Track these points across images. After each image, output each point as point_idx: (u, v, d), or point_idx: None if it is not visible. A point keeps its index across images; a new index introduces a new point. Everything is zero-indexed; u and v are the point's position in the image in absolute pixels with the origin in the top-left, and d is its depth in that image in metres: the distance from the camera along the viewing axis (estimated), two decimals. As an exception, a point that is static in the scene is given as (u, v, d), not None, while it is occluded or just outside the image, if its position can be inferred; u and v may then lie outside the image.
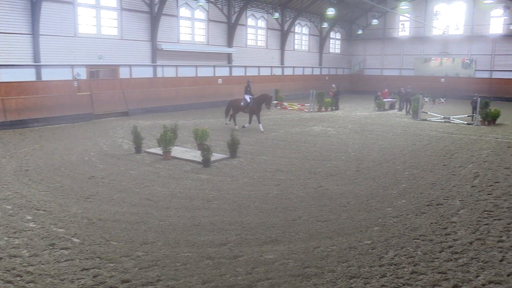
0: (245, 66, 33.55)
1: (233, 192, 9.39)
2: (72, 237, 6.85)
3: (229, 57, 31.78)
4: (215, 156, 12.59)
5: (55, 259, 6.05)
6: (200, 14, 29.14)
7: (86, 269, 5.77)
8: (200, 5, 26.75)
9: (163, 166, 11.77)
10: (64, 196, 8.99)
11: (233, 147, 12.86)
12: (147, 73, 25.79)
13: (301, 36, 40.68)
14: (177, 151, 13.41)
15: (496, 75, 40.13)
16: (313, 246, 6.62)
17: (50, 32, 20.88)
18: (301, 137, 17.00)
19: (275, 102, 28.81)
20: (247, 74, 33.65)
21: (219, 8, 30.38)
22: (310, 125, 20.57)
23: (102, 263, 5.96)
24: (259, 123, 18.32)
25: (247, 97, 18.82)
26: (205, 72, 29.80)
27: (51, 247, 6.44)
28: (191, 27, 28.61)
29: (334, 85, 31.24)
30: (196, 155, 12.90)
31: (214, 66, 30.52)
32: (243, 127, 18.74)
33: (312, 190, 9.61)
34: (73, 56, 21.96)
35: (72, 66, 21.94)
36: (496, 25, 40.23)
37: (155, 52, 25.84)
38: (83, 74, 22.31)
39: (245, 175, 10.89)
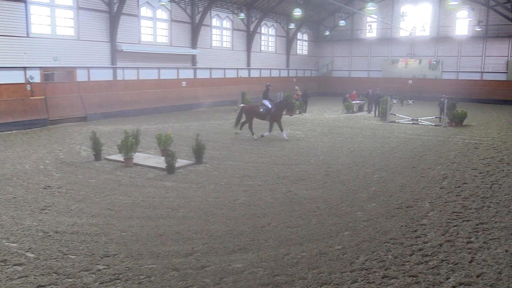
0: (210, 68, 33.49)
1: (199, 200, 9.32)
2: (26, 251, 6.61)
3: (193, 58, 31.63)
4: (180, 162, 12.47)
5: (7, 277, 5.82)
6: (162, 14, 28.90)
7: (42, 286, 5.58)
8: (162, 4, 26.55)
9: (124, 173, 11.55)
10: (17, 208, 8.67)
11: (198, 153, 12.78)
12: (107, 75, 25.30)
13: (268, 37, 41.01)
14: (139, 157, 13.20)
15: (463, 76, 41.77)
16: (283, 253, 6.65)
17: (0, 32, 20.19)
18: (269, 141, 17.06)
19: (242, 105, 28.77)
20: (213, 76, 33.60)
21: (182, 8, 30.23)
22: (278, 129, 20.68)
23: (59, 279, 5.77)
24: (282, 131, 17.32)
25: (267, 103, 17.69)
26: (168, 74, 29.53)
27: (3, 264, 6.18)
28: (153, 28, 28.32)
29: (297, 88, 31.64)
30: (159, 161, 12.73)
31: (177, 68, 30.29)
32: (262, 136, 17.55)
33: (281, 196, 9.66)
34: (25, 57, 21.29)
35: (24, 68, 21.26)
36: (461, 27, 41.88)
37: (115, 53, 25.41)
38: (36, 77, 21.65)
39: (212, 181, 10.83)
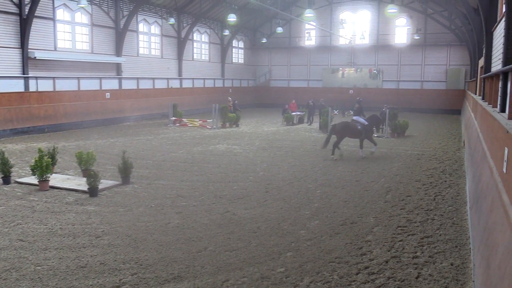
0: (138, 78, 32.91)
1: (127, 225, 9.06)
2: None
3: (118, 67, 30.93)
4: (104, 183, 12.08)
5: None
6: (82, 17, 28.08)
7: None
8: (82, 7, 25.79)
9: (39, 198, 10.99)
10: None
11: (125, 172, 12.46)
12: (17, 86, 24.07)
13: (201, 44, 41.08)
14: (56, 179, 12.63)
15: (403, 85, 44.09)
16: (222, 279, 6.60)
17: None
18: (204, 157, 17.01)
19: (173, 118, 28.57)
20: (140, 87, 33.02)
21: (105, 11, 29.57)
22: (214, 143, 20.70)
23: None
24: (375, 145, 17.87)
25: (361, 119, 17.64)
26: (89, 85, 28.63)
27: None
28: (72, 33, 27.42)
29: (230, 98, 31.90)
30: (80, 183, 12.26)
31: (100, 78, 29.47)
32: (372, 153, 17.80)
33: (218, 217, 9.62)
34: None
35: None
36: (401, 35, 44.33)
37: (27, 61, 24.28)
38: None
39: (141, 203, 10.58)
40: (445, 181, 13.35)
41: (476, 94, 22.26)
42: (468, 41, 34.29)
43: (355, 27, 45.84)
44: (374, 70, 45.26)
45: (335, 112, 37.29)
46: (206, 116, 33.97)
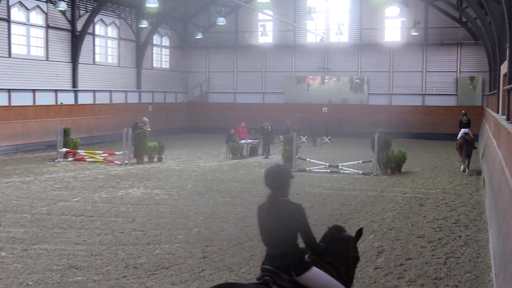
0: (10, 90, 32.17)
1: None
2: None
3: None
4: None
5: None
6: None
7: None
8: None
9: None
10: None
11: (-12, 232, 11.97)
12: None
13: (106, 41, 40.85)
14: None
15: (398, 100, 45.11)
16: None
17: None
18: (111, 207, 16.68)
19: (64, 150, 27.99)
20: (13, 103, 32.24)
21: None
22: (126, 187, 20.38)
23: None
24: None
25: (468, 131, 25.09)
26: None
27: None
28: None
29: (146, 119, 31.67)
30: None
31: None
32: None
33: (131, 297, 9.38)
34: None
35: None
36: (392, 30, 45.70)
37: None
38: None
39: (11, 281, 10.16)
40: (460, 236, 13.60)
41: (498, 113, 22.97)
42: (485, 38, 35.48)
43: (329, 19, 46.89)
44: (357, 79, 46.22)
45: (303, 139, 37.61)
46: (114, 146, 33.46)
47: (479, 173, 24.47)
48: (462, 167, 25.24)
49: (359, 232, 6.85)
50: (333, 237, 6.77)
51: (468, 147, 24.67)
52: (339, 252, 6.62)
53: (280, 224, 6.11)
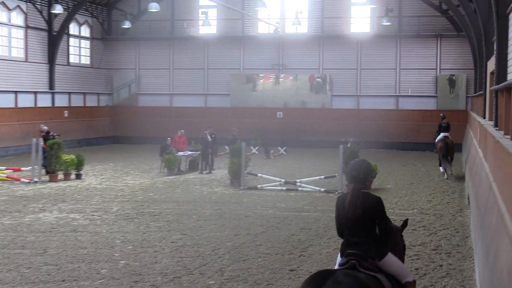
0: None
1: None
2: None
3: None
4: None
5: None
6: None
7: None
8: None
9: None
10: None
11: None
12: None
13: (8, 29, 40.13)
14: None
15: (367, 103, 45.51)
16: None
17: None
18: (15, 236, 16.41)
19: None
20: None
21: None
22: (35, 211, 20.15)
23: None
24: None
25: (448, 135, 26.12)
26: None
27: None
28: None
29: (44, 127, 31.17)
30: None
31: None
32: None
33: None
34: None
35: None
36: (360, 20, 46.08)
37: None
38: None
39: None
40: (441, 265, 13.75)
41: (485, 118, 23.37)
42: (469, 29, 36.05)
43: (284, 6, 47.08)
44: (318, 78, 46.43)
45: (254, 150, 37.64)
46: (21, 160, 32.99)
47: (461, 178, 24.93)
48: (442, 170, 28.68)
49: (405, 223, 9.17)
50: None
51: (447, 151, 27.57)
52: (394, 242, 8.38)
53: (363, 213, 7.71)
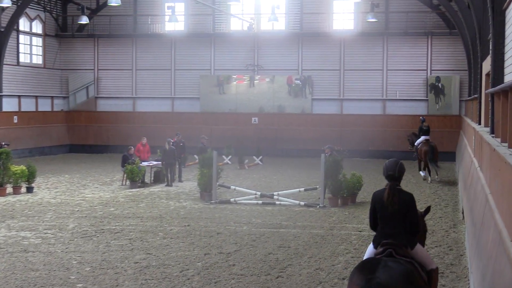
0: None
1: None
2: None
3: None
4: None
5: None
6: None
7: None
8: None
9: None
10: None
11: None
12: None
13: None
14: None
15: (350, 108, 45.66)
16: None
17: None
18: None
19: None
20: None
21: None
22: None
23: None
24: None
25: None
26: None
27: None
28: None
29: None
30: None
31: None
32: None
33: None
34: None
35: None
36: (343, 16, 46.21)
37: None
38: None
39: None
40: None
41: (480, 124, 23.47)
42: (462, 26, 36.25)
43: (259, 1, 47.09)
44: (297, 79, 46.47)
45: (226, 160, 37.65)
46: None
47: (450, 184, 25.09)
48: (423, 174, 30.83)
49: (428, 209, 10.54)
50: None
51: (433, 155, 29.32)
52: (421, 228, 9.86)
53: (398, 207, 9.23)
